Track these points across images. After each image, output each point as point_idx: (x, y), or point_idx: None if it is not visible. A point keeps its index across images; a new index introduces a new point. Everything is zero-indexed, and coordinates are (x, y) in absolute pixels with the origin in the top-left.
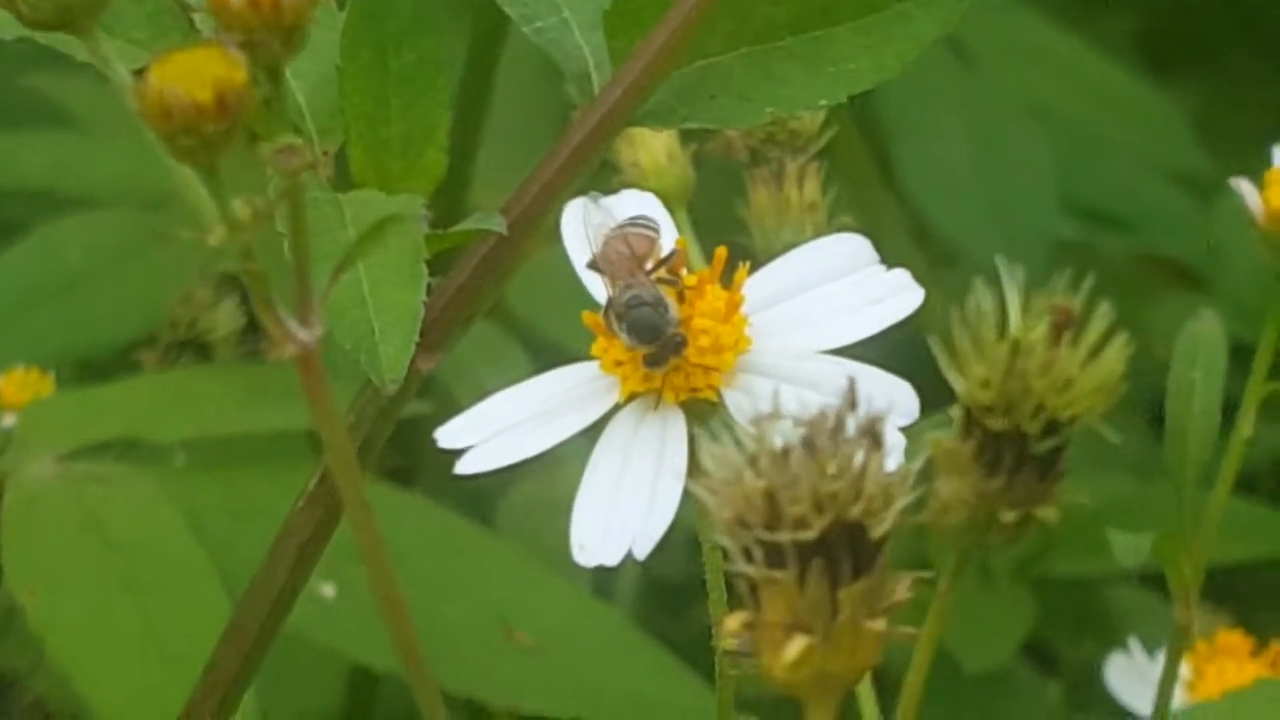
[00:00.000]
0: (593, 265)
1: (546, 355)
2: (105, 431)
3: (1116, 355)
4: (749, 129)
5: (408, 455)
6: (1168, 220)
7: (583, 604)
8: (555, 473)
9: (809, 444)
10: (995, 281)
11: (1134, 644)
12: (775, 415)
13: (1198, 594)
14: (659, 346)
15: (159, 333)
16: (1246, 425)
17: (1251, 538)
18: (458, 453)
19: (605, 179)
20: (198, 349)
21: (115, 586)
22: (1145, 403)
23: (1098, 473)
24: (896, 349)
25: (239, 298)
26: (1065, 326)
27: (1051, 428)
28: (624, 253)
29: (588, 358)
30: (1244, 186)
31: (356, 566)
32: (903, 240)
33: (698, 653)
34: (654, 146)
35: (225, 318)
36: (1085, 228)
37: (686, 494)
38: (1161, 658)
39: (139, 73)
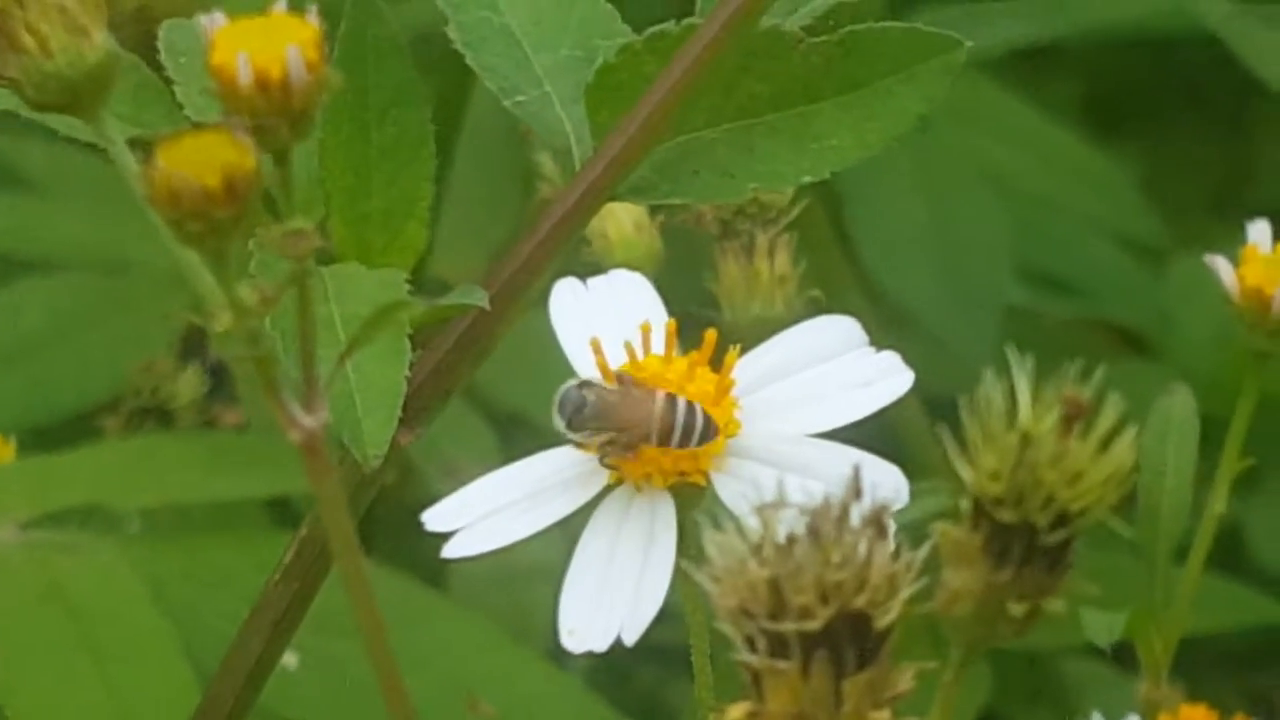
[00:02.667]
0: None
1: (505, 420)
2: (67, 499)
3: (1128, 447)
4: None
5: (365, 523)
6: (1117, 285)
7: (545, 673)
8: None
9: (813, 533)
10: (1005, 372)
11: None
12: (778, 503)
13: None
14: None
15: (121, 399)
16: (1220, 501)
17: (1208, 609)
18: (443, 535)
19: (573, 249)
20: (160, 415)
21: (79, 655)
22: None
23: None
24: (863, 431)
25: (201, 365)
26: (1076, 417)
27: (1061, 520)
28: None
29: (549, 425)
30: (1219, 263)
31: (319, 637)
32: (857, 302)
33: (644, 716)
34: (622, 218)
35: (188, 385)
36: (1036, 293)
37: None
38: None
39: (145, 158)
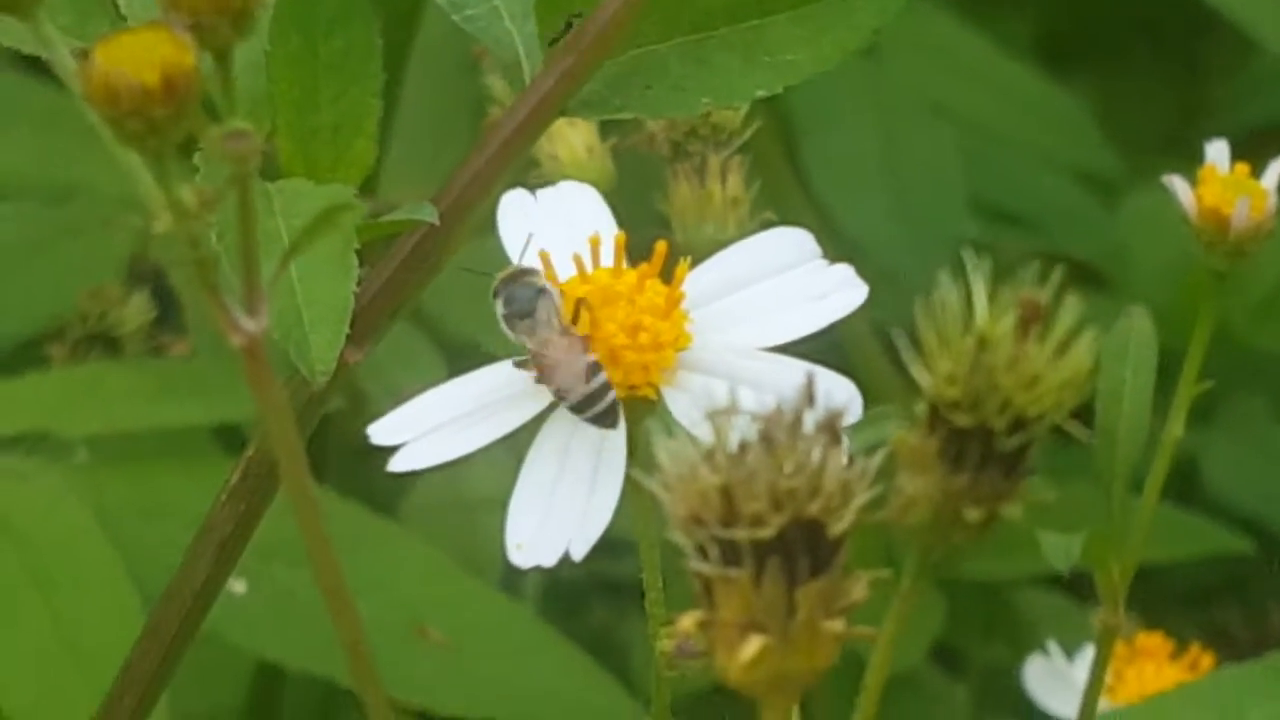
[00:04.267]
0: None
1: (456, 351)
2: (13, 426)
3: (1085, 350)
4: (672, 123)
5: (318, 451)
6: (1072, 219)
7: (495, 602)
8: (460, 472)
9: (766, 440)
10: (962, 274)
11: (1053, 647)
12: (731, 410)
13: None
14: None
15: (67, 327)
16: (1177, 425)
17: (1164, 540)
18: (388, 450)
19: (523, 172)
20: (106, 343)
21: (23, 583)
22: None
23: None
24: (814, 349)
25: (149, 291)
26: (1033, 321)
27: (1018, 424)
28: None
29: (501, 355)
30: (1176, 183)
31: (266, 563)
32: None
33: (594, 652)
34: (573, 140)
35: (134, 312)
36: (989, 226)
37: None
38: (1079, 660)
39: (82, 55)
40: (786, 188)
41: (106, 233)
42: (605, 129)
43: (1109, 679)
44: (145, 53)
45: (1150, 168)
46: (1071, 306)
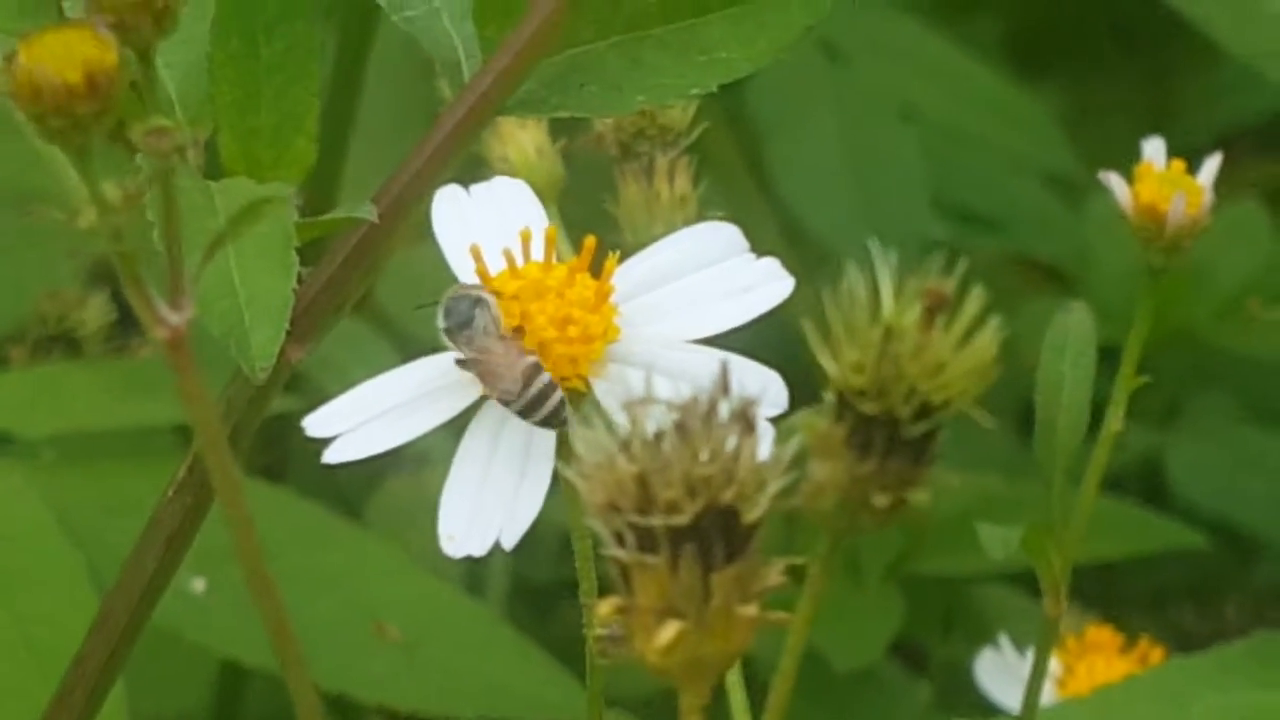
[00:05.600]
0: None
1: (419, 354)
2: None
3: (989, 339)
4: (619, 124)
5: (278, 453)
6: (1038, 221)
7: (454, 600)
8: (424, 472)
9: (681, 429)
10: (868, 265)
11: (1004, 640)
12: (647, 400)
13: (1067, 588)
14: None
15: (27, 328)
16: (1116, 419)
17: (1121, 536)
18: (326, 442)
19: (477, 175)
20: (67, 344)
21: None
22: (1012, 406)
23: (965, 472)
24: (765, 346)
25: (108, 293)
26: (938, 310)
27: (924, 412)
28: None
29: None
30: (1113, 180)
31: (228, 563)
32: (773, 237)
33: (565, 655)
34: (523, 142)
35: (94, 313)
36: (955, 228)
37: (556, 493)
38: (1031, 654)
39: (8, 55)
40: (743, 188)
41: (66, 237)
42: (555, 131)
43: (1060, 672)
44: (68, 51)
45: (1120, 170)
46: (976, 296)
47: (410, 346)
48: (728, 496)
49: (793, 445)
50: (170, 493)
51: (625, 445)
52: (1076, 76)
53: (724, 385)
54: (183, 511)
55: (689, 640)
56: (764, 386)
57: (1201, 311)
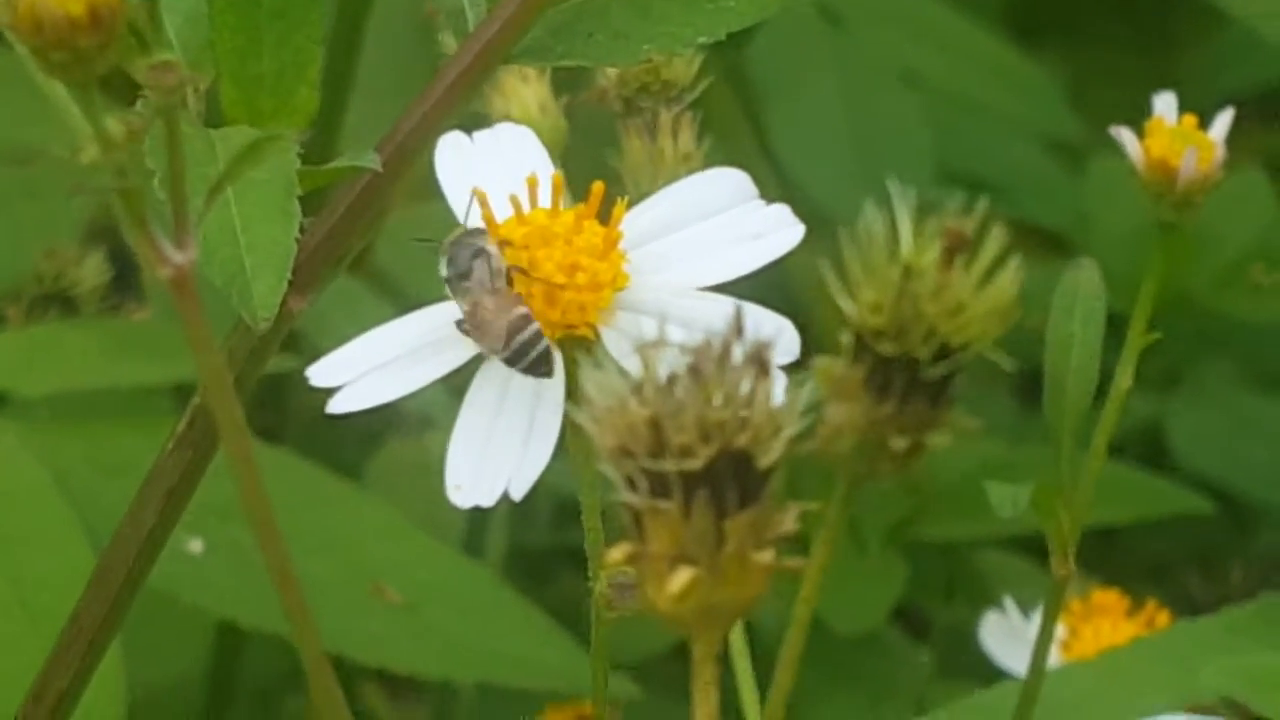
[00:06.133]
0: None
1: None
2: None
3: (1010, 280)
4: (623, 78)
5: (276, 414)
6: (1039, 187)
7: (453, 562)
8: (425, 434)
9: (695, 372)
10: (886, 205)
11: (1009, 603)
12: (660, 344)
13: (1075, 549)
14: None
15: (23, 287)
16: (1125, 377)
17: (1126, 501)
18: (328, 396)
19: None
20: (63, 303)
21: None
22: (1016, 372)
23: (970, 438)
24: (770, 301)
25: (105, 251)
26: (958, 250)
27: (943, 353)
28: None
29: None
30: (1124, 134)
31: (226, 522)
32: (776, 198)
33: (562, 621)
34: (526, 98)
35: (91, 272)
36: (956, 194)
37: (553, 459)
38: (1036, 617)
39: None
40: (744, 148)
41: (64, 193)
42: (558, 87)
43: (1066, 636)
44: None
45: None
46: (996, 236)
47: (412, 308)
48: (742, 441)
49: (808, 390)
50: (170, 446)
51: (638, 389)
52: (1076, 45)
53: (738, 329)
54: (182, 465)
55: (702, 587)
56: (778, 333)
57: (1203, 278)
